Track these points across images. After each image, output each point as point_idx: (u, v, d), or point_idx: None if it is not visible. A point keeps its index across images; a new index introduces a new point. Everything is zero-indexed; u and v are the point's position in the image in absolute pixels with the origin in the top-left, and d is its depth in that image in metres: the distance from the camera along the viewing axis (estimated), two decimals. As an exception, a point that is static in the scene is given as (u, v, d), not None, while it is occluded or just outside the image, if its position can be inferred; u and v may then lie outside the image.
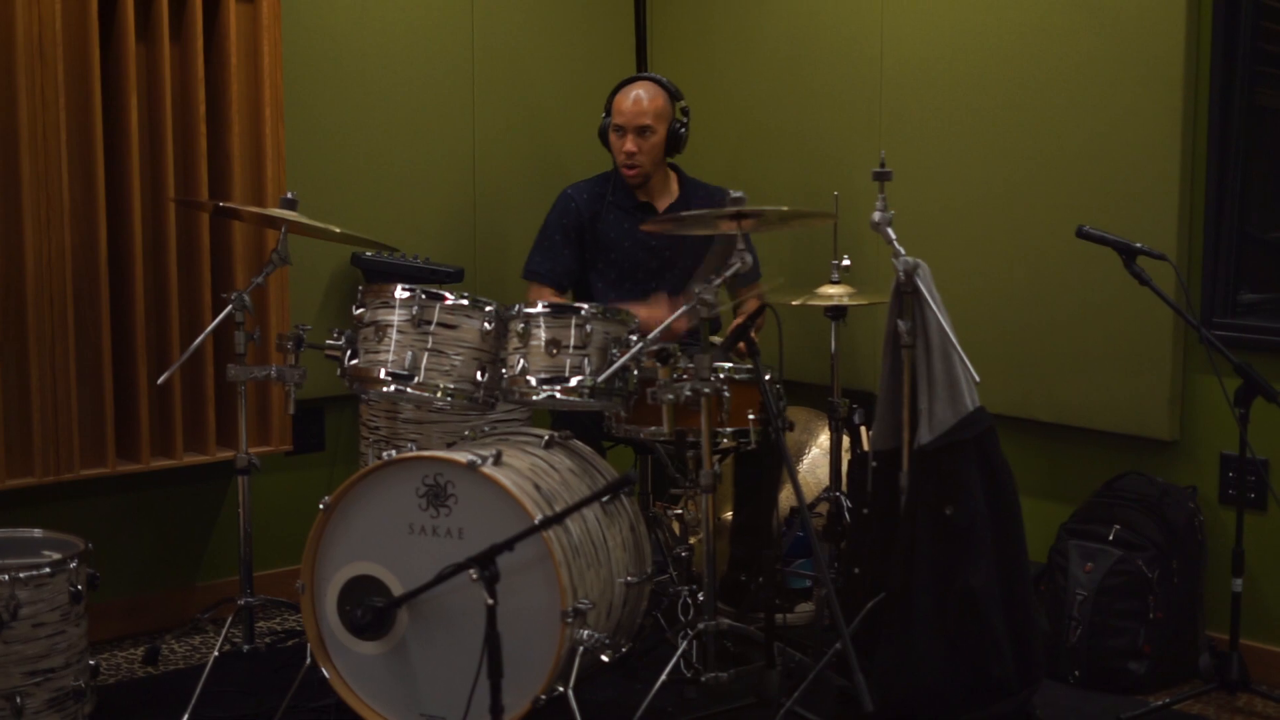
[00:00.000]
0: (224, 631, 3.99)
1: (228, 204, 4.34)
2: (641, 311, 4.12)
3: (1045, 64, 4.43)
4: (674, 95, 4.61)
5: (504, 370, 3.79)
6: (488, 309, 3.79)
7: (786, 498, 4.47)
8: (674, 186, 4.70)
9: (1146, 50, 4.21)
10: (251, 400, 4.53)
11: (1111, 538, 4.15)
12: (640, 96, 4.55)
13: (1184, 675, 4.14)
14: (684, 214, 3.92)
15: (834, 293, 4.22)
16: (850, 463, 4.22)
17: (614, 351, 3.73)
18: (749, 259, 3.68)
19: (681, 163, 4.77)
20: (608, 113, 4.63)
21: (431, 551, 3.54)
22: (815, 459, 4.73)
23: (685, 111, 4.63)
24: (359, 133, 4.90)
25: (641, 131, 4.53)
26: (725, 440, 3.92)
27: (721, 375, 3.78)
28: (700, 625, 3.69)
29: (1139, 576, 4.08)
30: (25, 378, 4.19)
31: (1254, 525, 4.08)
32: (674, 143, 4.60)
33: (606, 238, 4.62)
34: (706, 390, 3.66)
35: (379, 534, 3.62)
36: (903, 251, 3.59)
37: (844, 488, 4.24)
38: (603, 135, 4.65)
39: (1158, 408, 4.28)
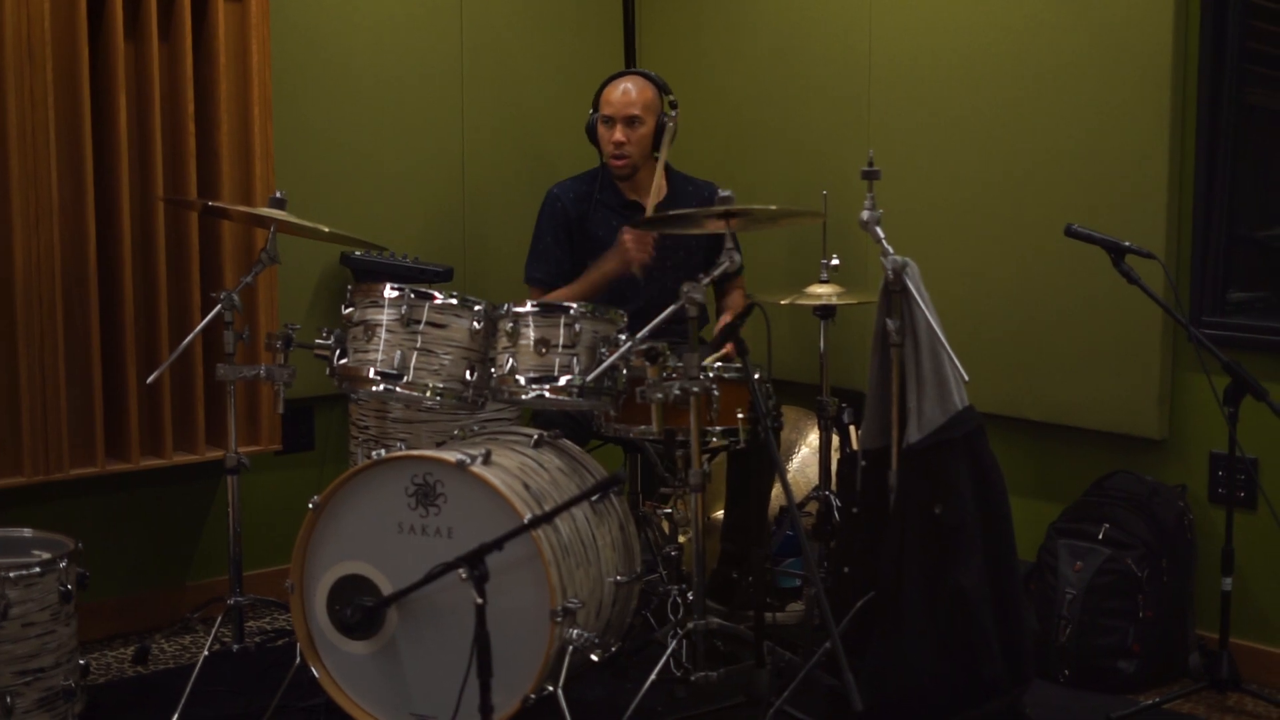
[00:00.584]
0: (214, 631, 3.98)
1: (216, 203, 4.34)
2: (611, 263, 4.31)
3: (1034, 62, 4.44)
4: (663, 89, 4.62)
5: (493, 369, 3.78)
6: (477, 308, 3.79)
7: (777, 496, 4.48)
8: (662, 184, 4.69)
9: (1135, 49, 4.22)
10: (241, 400, 4.53)
11: (1101, 536, 4.15)
12: (629, 88, 4.55)
13: (1174, 674, 4.15)
14: (672, 213, 3.92)
15: (823, 292, 4.23)
16: (839, 462, 4.23)
17: (603, 350, 3.73)
18: (737, 258, 3.68)
19: (670, 160, 4.76)
20: (595, 108, 4.62)
21: (421, 551, 3.54)
22: (805, 458, 4.74)
23: (674, 105, 4.64)
24: (348, 132, 4.90)
25: (630, 122, 4.53)
26: (714, 439, 3.92)
27: (710, 374, 3.78)
28: (690, 624, 3.69)
29: (1128, 575, 4.09)
30: (14, 377, 4.19)
31: (1243, 524, 4.09)
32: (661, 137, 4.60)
33: (595, 236, 4.61)
34: (695, 389, 3.66)
35: (368, 533, 3.62)
36: (891, 250, 3.59)
37: (833, 487, 4.24)
38: (590, 131, 4.65)
39: (1147, 406, 4.28)
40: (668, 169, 4.72)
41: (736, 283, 4.72)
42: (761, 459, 4.02)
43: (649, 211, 4.39)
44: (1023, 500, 4.34)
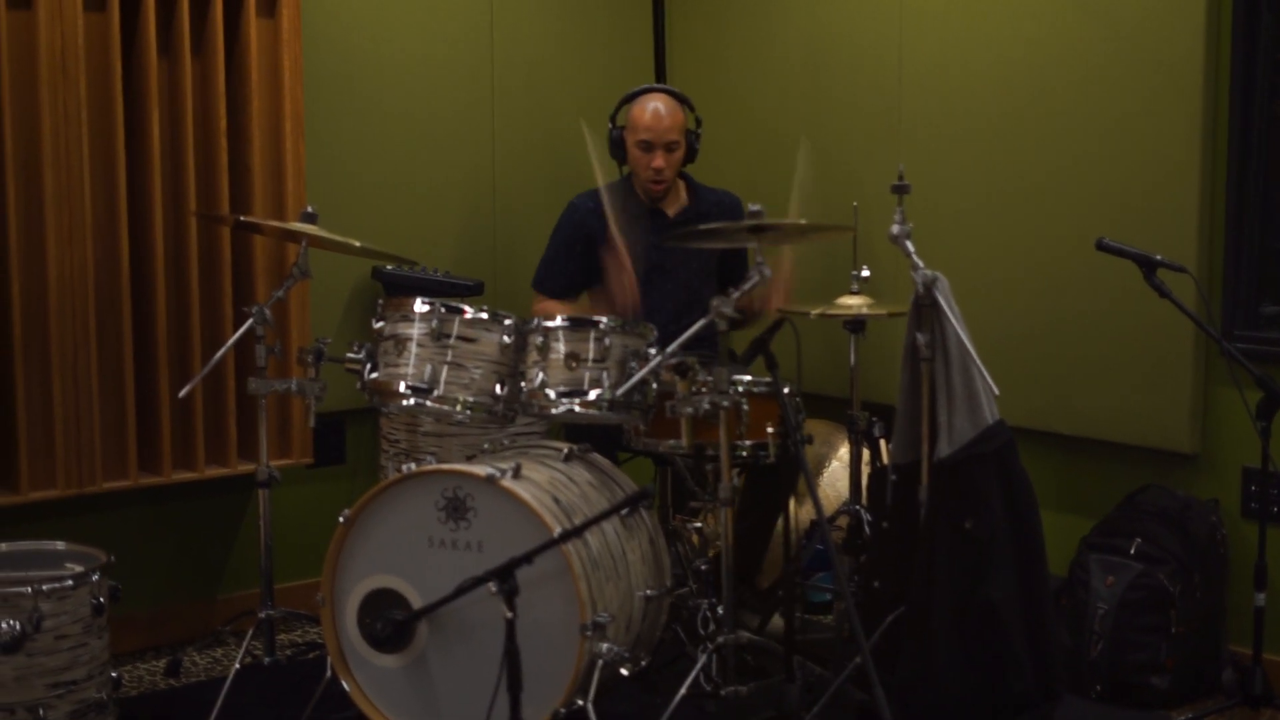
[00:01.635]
0: (245, 644, 4.00)
1: (248, 218, 4.36)
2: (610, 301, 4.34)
3: (1064, 74, 4.43)
4: (689, 106, 4.64)
5: (523, 383, 3.79)
6: (507, 322, 3.79)
7: (805, 512, 4.47)
8: (683, 193, 4.73)
9: (1165, 60, 4.20)
10: (272, 413, 4.55)
11: (1133, 551, 4.13)
12: (660, 110, 4.56)
13: (1206, 690, 4.13)
14: (703, 226, 3.93)
15: (853, 304, 4.22)
16: (870, 476, 4.22)
17: (633, 364, 3.73)
18: (768, 271, 3.68)
19: (699, 173, 4.78)
20: (615, 122, 4.65)
21: (451, 564, 3.55)
22: (835, 472, 4.73)
23: (699, 122, 4.67)
24: (379, 147, 4.92)
25: (670, 147, 4.56)
26: (744, 453, 3.91)
27: (740, 388, 3.78)
28: (720, 639, 3.69)
29: (1161, 590, 4.07)
30: (48, 391, 4.22)
31: (1277, 539, 4.06)
32: (691, 154, 4.64)
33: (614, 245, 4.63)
34: (725, 403, 3.65)
35: (398, 547, 3.63)
36: (921, 265, 3.58)
37: (864, 501, 4.23)
38: (616, 145, 4.66)
39: (1179, 420, 4.26)
40: (688, 181, 4.75)
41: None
42: (785, 473, 4.02)
43: (613, 229, 4.40)
44: (1054, 515, 4.33)
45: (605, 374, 3.72)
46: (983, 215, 4.66)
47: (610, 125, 4.68)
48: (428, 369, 3.74)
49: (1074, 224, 4.39)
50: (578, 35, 5.42)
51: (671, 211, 4.69)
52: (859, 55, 4.98)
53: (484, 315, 3.79)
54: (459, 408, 3.75)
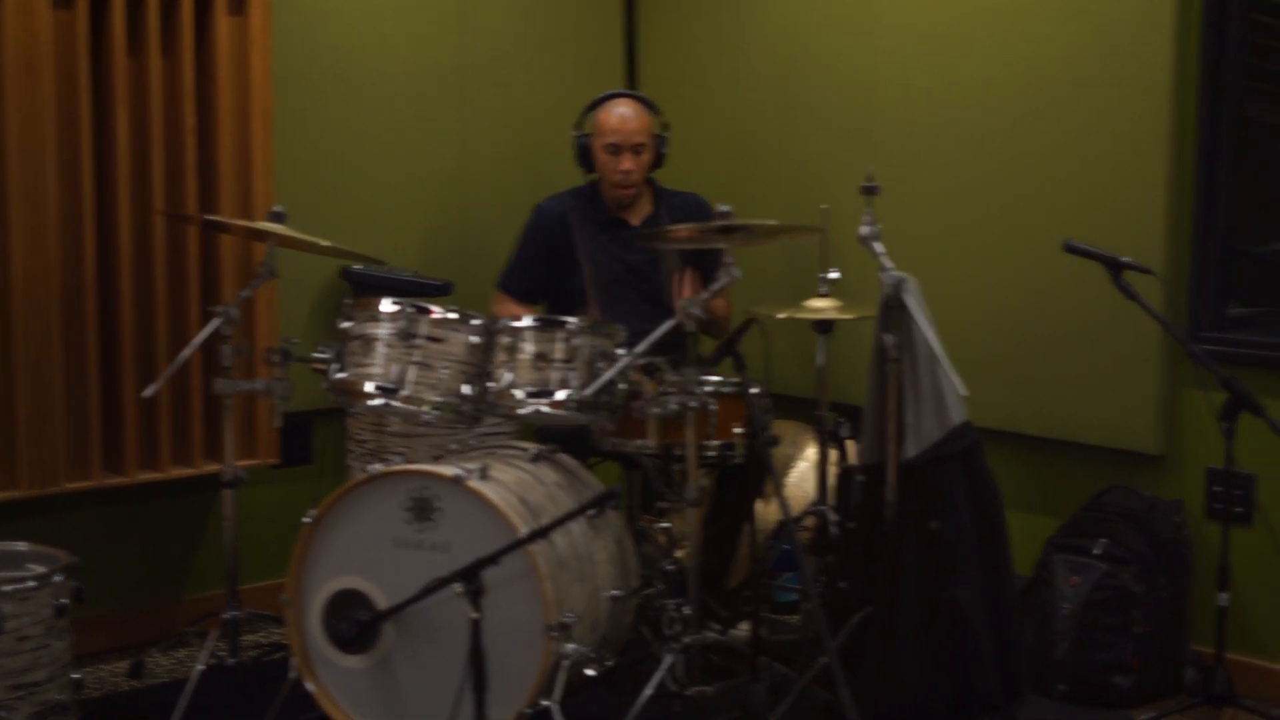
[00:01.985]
0: (209, 645, 3.98)
1: (215, 217, 4.34)
2: None
3: (1033, 77, 4.45)
4: (655, 110, 4.64)
5: (491, 384, 3.78)
6: (475, 323, 3.79)
7: (773, 512, 4.47)
8: (647, 203, 4.73)
9: (1135, 64, 4.22)
10: (238, 413, 4.52)
11: (1098, 552, 4.15)
12: (627, 114, 4.56)
13: (1170, 689, 4.14)
14: (671, 227, 3.93)
15: (821, 306, 4.22)
16: (837, 477, 4.22)
17: (600, 365, 3.73)
18: (736, 272, 3.68)
19: (670, 175, 4.78)
20: (581, 128, 4.65)
21: (417, 565, 3.53)
22: (802, 472, 4.73)
23: (666, 126, 4.66)
24: (348, 146, 4.91)
25: (636, 150, 4.56)
26: (712, 453, 3.91)
27: (708, 389, 3.78)
28: (686, 639, 3.69)
29: (1125, 590, 4.09)
30: (11, 390, 4.19)
31: (1240, 539, 4.09)
32: (658, 159, 4.63)
33: (582, 251, 4.63)
34: (693, 404, 3.66)
35: (364, 548, 3.62)
36: (890, 266, 3.59)
37: (830, 501, 4.23)
38: (583, 152, 4.65)
39: (1144, 422, 4.29)
40: (654, 186, 4.75)
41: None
42: (752, 474, 4.02)
43: None
44: (1020, 515, 4.34)
45: (573, 374, 3.72)
46: (951, 217, 4.67)
47: (576, 132, 4.68)
48: (395, 369, 3.73)
49: (1042, 225, 4.41)
50: (549, 36, 5.41)
51: (636, 219, 4.69)
52: (831, 58, 4.99)
53: (452, 315, 3.78)
54: (426, 408, 3.74)
